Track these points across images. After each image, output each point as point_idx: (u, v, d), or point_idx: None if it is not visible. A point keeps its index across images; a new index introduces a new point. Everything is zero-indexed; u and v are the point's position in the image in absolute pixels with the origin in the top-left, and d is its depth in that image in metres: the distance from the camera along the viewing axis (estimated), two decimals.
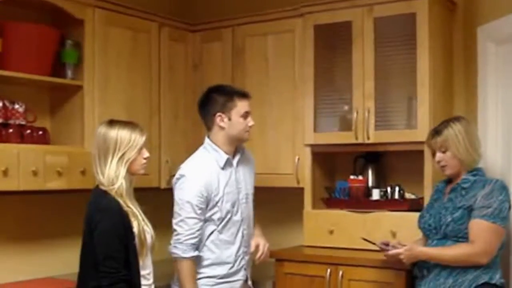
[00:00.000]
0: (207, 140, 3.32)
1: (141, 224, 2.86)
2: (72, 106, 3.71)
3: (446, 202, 3.15)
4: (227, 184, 3.26)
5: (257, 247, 3.37)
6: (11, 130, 3.42)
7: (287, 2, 4.10)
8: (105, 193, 2.83)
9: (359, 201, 3.81)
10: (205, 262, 3.24)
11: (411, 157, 3.74)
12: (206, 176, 3.20)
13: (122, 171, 2.87)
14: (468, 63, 3.80)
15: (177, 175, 3.25)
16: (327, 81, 3.99)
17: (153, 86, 4.09)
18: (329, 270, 3.57)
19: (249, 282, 3.40)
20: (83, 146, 3.63)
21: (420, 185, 3.61)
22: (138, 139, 2.92)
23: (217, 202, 3.21)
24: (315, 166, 3.98)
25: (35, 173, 3.33)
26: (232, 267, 3.28)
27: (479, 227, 2.98)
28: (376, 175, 3.97)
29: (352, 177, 3.90)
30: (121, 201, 2.83)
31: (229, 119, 3.24)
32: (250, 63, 4.18)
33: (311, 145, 3.95)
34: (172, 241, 3.18)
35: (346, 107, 3.90)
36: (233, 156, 3.34)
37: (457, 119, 3.20)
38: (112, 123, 2.93)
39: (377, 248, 3.31)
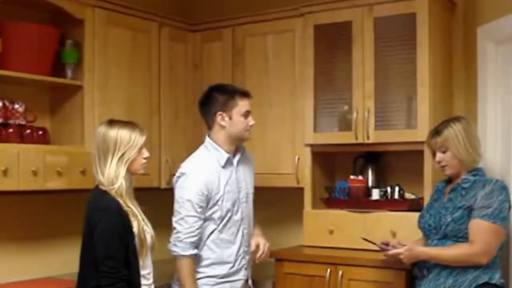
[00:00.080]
0: (207, 139, 3.32)
1: (141, 224, 2.86)
2: (72, 106, 3.71)
3: (446, 202, 3.15)
4: (228, 183, 3.26)
5: (257, 246, 3.37)
6: (11, 130, 3.42)
7: (287, 2, 4.10)
8: (105, 193, 2.83)
9: (359, 201, 3.81)
10: (206, 262, 3.24)
11: (411, 157, 3.74)
12: (207, 174, 3.20)
13: (122, 171, 2.87)
14: (468, 63, 3.80)
15: (177, 173, 3.25)
16: (327, 81, 3.99)
17: (153, 86, 4.09)
18: (329, 270, 3.57)
19: (250, 282, 3.41)
20: (83, 146, 3.63)
21: (420, 185, 3.61)
22: (138, 138, 2.92)
23: (217, 201, 3.21)
24: (315, 166, 3.99)
25: (35, 173, 3.33)
26: (232, 266, 3.28)
27: (479, 227, 2.98)
28: (376, 175, 3.97)
29: (352, 177, 3.90)
30: (121, 201, 2.83)
31: (230, 118, 3.24)
32: (250, 63, 4.18)
33: (311, 145, 3.95)
34: (171, 239, 3.19)
35: (346, 107, 3.90)
36: (234, 155, 3.34)
37: (457, 119, 3.20)
38: (112, 123, 2.93)
39: (377, 248, 3.31)
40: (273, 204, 4.31)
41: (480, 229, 2.97)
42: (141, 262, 2.85)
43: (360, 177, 3.89)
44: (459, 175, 3.14)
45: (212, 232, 3.23)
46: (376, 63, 3.73)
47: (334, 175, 4.18)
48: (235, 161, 3.34)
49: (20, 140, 3.42)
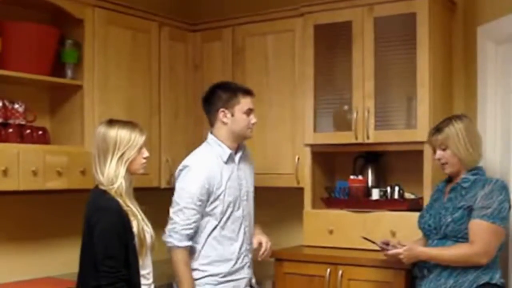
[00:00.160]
0: (210, 136, 3.35)
1: (140, 224, 2.86)
2: (72, 106, 3.71)
3: (446, 202, 3.14)
4: (230, 179, 3.28)
5: (260, 244, 3.40)
6: (11, 130, 3.41)
7: (287, 2, 4.10)
8: (105, 192, 2.84)
9: (359, 201, 3.81)
10: (208, 259, 3.25)
11: (411, 157, 3.74)
12: (210, 168, 3.23)
13: (122, 170, 2.87)
14: (468, 63, 3.80)
15: (180, 167, 3.28)
16: (327, 81, 3.99)
17: (153, 85, 4.09)
18: (328, 270, 3.57)
19: (253, 281, 3.42)
20: (83, 146, 3.63)
21: (419, 185, 3.61)
22: (138, 138, 2.93)
23: (219, 196, 3.23)
24: (315, 166, 3.99)
25: (35, 173, 3.33)
26: (235, 264, 3.29)
27: (478, 227, 2.98)
28: (376, 175, 3.97)
29: (352, 177, 3.90)
30: (120, 201, 2.83)
31: (232, 115, 3.27)
32: (250, 62, 4.18)
33: (311, 145, 3.95)
34: (167, 230, 3.20)
35: (346, 107, 3.90)
36: (235, 153, 3.36)
37: (459, 117, 3.19)
38: (111, 122, 2.93)
39: (377, 248, 3.31)
40: (273, 204, 4.31)
41: (480, 229, 2.97)
42: (140, 262, 2.85)
43: (360, 177, 3.89)
44: (459, 174, 3.14)
45: (214, 228, 3.24)
46: (376, 63, 3.73)
47: (334, 175, 4.18)
48: (236, 158, 3.36)
49: (20, 140, 3.43)
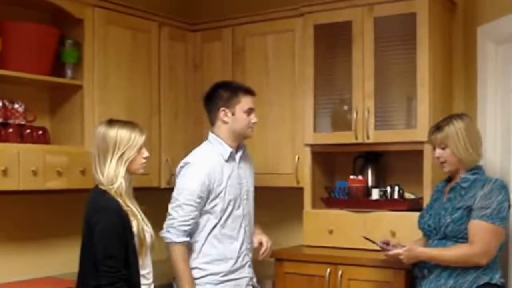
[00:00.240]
0: (211, 134, 3.36)
1: (140, 224, 2.86)
2: (72, 106, 3.71)
3: (446, 202, 3.14)
4: (230, 177, 3.30)
5: (260, 244, 3.41)
6: (10, 130, 3.41)
7: (287, 2, 4.10)
8: (104, 192, 2.84)
9: (358, 201, 3.81)
10: (208, 258, 3.25)
11: (411, 157, 3.74)
12: (210, 165, 3.24)
13: (122, 170, 2.87)
14: (468, 63, 3.80)
15: (181, 163, 3.30)
16: (327, 81, 3.99)
17: (153, 85, 4.09)
18: (328, 270, 3.57)
19: (254, 280, 3.43)
20: (83, 146, 3.63)
21: (419, 185, 3.61)
22: (138, 138, 2.93)
23: (219, 193, 3.24)
24: (315, 166, 3.99)
25: (35, 173, 3.33)
26: (235, 263, 3.29)
27: (478, 228, 2.97)
28: (376, 175, 3.97)
29: (351, 177, 3.91)
30: (120, 201, 2.83)
31: (233, 114, 3.29)
32: (250, 62, 4.18)
33: (311, 145, 3.95)
34: (165, 225, 3.21)
35: (346, 107, 3.90)
36: (236, 152, 3.37)
37: (460, 116, 3.18)
38: (111, 122, 2.93)
39: (377, 248, 3.30)
40: (273, 204, 4.31)
41: (480, 230, 2.97)
42: (140, 262, 2.85)
43: (360, 177, 3.90)
44: (458, 173, 3.14)
45: (214, 227, 3.25)
46: (376, 63, 3.73)
47: (334, 175, 4.18)
48: (237, 157, 3.37)
49: (20, 140, 3.43)
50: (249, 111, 3.31)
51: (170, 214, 3.21)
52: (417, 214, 3.33)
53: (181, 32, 4.30)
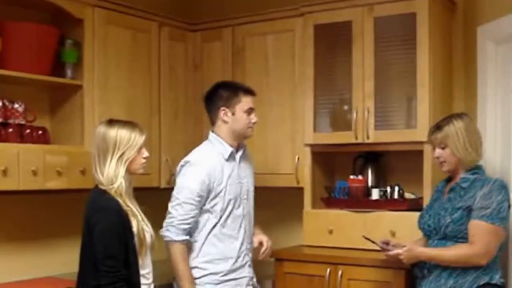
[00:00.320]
0: (211, 134, 3.38)
1: (140, 224, 2.87)
2: (72, 106, 3.71)
3: (445, 202, 3.14)
4: (231, 176, 3.31)
5: (260, 244, 3.42)
6: (10, 130, 3.41)
7: (287, 2, 4.10)
8: (104, 192, 2.84)
9: (358, 201, 3.81)
10: (208, 257, 3.26)
11: (411, 157, 3.74)
12: (211, 164, 3.25)
13: (122, 170, 2.87)
14: (468, 62, 3.80)
15: (181, 162, 3.31)
16: (327, 81, 3.99)
17: (153, 85, 4.09)
18: (328, 270, 3.58)
19: (254, 279, 3.43)
20: (83, 146, 3.63)
21: (419, 185, 3.61)
22: (138, 138, 2.93)
23: (219, 192, 3.25)
24: (315, 166, 3.99)
25: (34, 173, 3.33)
26: (235, 262, 3.30)
27: (478, 228, 2.97)
28: (376, 174, 3.97)
29: (351, 176, 3.90)
30: (120, 201, 2.83)
31: (233, 114, 3.30)
32: (250, 62, 4.18)
33: (311, 145, 3.95)
34: (164, 224, 3.21)
35: (346, 107, 3.90)
36: (236, 151, 3.38)
37: (459, 116, 3.17)
38: (111, 122, 2.93)
39: (377, 247, 3.30)
40: (273, 204, 4.31)
41: (480, 230, 2.97)
42: (140, 262, 2.85)
43: (360, 177, 3.90)
44: (458, 173, 3.14)
45: (214, 226, 3.26)
46: (376, 63, 3.73)
47: (334, 175, 4.18)
48: (237, 156, 3.38)
49: (20, 140, 3.43)
50: (249, 111, 3.33)
51: (169, 213, 3.22)
52: (417, 214, 3.33)
53: (181, 32, 4.30)
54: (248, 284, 3.37)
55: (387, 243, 3.27)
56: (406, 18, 3.65)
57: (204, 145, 3.39)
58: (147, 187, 3.81)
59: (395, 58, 3.78)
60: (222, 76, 4.13)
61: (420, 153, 3.58)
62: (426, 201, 3.44)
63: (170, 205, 3.23)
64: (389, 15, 3.70)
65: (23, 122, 3.49)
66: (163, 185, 4.09)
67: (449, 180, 3.24)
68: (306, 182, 3.96)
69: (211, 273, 3.26)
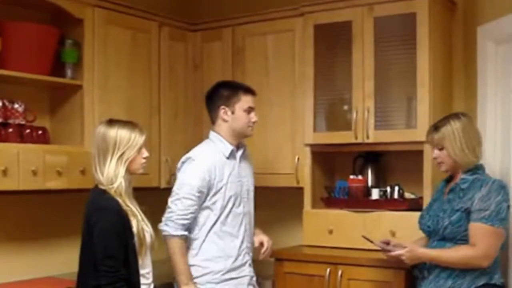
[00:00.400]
0: (212, 133, 3.40)
1: (140, 224, 2.87)
2: (72, 106, 3.71)
3: (445, 203, 3.13)
4: (231, 174, 3.32)
5: (261, 243, 3.44)
6: (10, 130, 3.42)
7: (287, 2, 4.10)
8: (104, 192, 2.84)
9: (358, 201, 3.81)
10: (208, 255, 3.27)
11: (411, 157, 3.74)
12: (212, 161, 3.27)
13: (121, 170, 2.87)
14: (468, 62, 3.80)
15: (182, 159, 3.33)
16: (327, 81, 3.98)
17: (153, 85, 4.09)
18: (328, 270, 3.58)
19: (254, 279, 3.44)
20: (83, 146, 3.63)
21: (419, 185, 3.61)
22: (138, 138, 2.93)
23: (220, 189, 3.26)
24: (315, 166, 3.99)
25: (34, 173, 3.33)
26: (235, 261, 3.31)
27: (478, 230, 2.95)
28: (376, 174, 3.97)
29: (351, 176, 3.91)
30: (120, 200, 2.83)
31: (233, 112, 3.32)
32: (250, 62, 4.18)
33: (311, 145, 3.95)
34: (163, 218, 3.23)
35: (346, 107, 3.90)
36: (237, 150, 3.39)
37: (457, 116, 3.14)
38: (111, 122, 2.93)
39: (377, 247, 3.30)
40: (273, 204, 4.31)
41: (480, 233, 2.95)
42: (140, 262, 2.85)
43: (360, 177, 3.90)
44: (457, 172, 3.13)
45: (214, 224, 3.27)
46: (376, 63, 3.73)
47: (333, 175, 4.18)
48: (238, 155, 3.39)
49: (20, 140, 3.43)
50: (249, 110, 3.34)
51: (169, 207, 3.23)
52: (417, 214, 3.33)
53: (181, 32, 4.30)
54: (248, 284, 3.38)
55: (388, 243, 3.26)
56: (406, 18, 3.65)
57: (205, 143, 3.40)
58: (147, 187, 3.81)
59: (395, 58, 3.77)
60: (222, 76, 4.13)
61: (420, 153, 3.58)
62: (426, 201, 3.44)
63: (170, 200, 3.25)
64: (389, 15, 3.70)
65: (23, 122, 3.49)
66: (163, 185, 4.09)
67: (449, 179, 3.23)
68: (306, 182, 3.96)
69: (211, 272, 3.26)
